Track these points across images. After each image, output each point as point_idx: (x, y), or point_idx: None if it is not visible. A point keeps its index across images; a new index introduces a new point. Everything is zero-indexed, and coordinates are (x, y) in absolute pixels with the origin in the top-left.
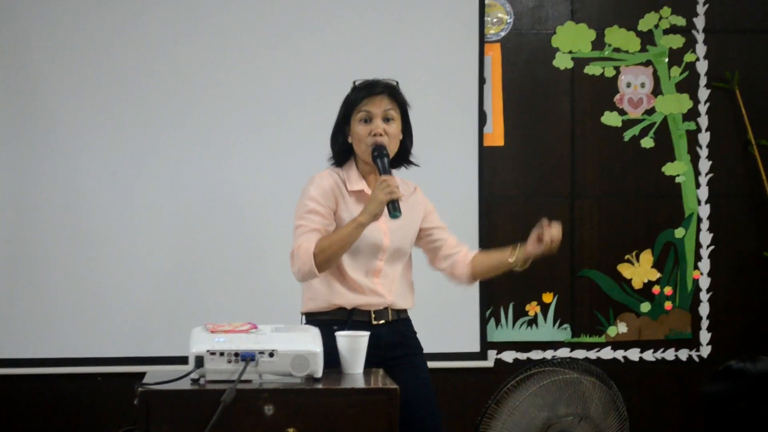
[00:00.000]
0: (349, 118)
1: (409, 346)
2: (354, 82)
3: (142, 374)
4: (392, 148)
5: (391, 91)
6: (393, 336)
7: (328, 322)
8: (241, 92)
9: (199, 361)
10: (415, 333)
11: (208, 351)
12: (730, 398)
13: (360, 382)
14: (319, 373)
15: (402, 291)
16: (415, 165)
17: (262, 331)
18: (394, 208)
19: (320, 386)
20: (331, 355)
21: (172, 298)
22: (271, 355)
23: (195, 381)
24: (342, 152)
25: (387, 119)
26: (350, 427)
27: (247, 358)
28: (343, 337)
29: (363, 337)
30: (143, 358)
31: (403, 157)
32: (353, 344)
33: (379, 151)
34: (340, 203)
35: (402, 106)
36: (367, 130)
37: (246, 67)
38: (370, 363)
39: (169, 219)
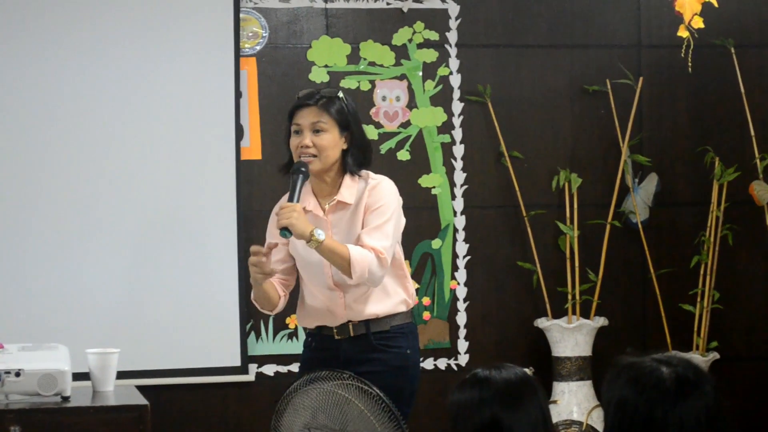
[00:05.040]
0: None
1: (372, 362)
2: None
3: None
4: (327, 160)
5: (322, 103)
6: (355, 351)
7: (306, 334)
8: None
9: None
10: (396, 347)
11: None
12: (475, 406)
13: (110, 400)
14: (68, 392)
15: (371, 300)
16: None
17: (9, 350)
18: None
19: (69, 405)
20: (303, 365)
21: None
22: (18, 374)
23: None
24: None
25: (317, 131)
26: None
27: None
28: (92, 355)
29: (112, 354)
30: None
31: (352, 165)
32: (103, 361)
33: (297, 167)
34: None
35: (337, 115)
36: (296, 142)
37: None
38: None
39: None
